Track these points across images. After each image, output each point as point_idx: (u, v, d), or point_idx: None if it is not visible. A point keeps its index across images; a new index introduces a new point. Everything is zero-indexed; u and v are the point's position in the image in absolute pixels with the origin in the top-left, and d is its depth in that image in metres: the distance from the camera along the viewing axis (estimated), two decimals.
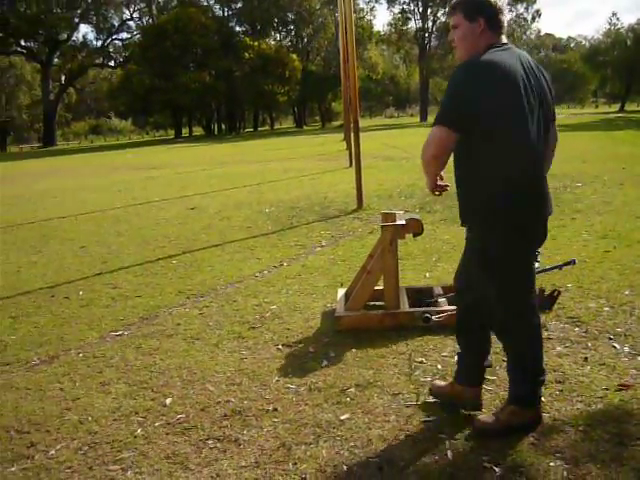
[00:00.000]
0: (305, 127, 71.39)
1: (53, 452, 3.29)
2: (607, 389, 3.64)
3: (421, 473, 2.91)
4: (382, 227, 4.77)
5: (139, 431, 3.46)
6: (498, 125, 2.90)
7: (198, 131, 71.40)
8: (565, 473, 2.85)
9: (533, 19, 71.10)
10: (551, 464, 2.93)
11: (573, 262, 5.16)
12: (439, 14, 67.18)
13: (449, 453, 3.06)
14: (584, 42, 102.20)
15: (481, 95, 2.86)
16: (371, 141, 28.17)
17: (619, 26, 73.62)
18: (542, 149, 3.06)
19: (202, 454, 3.19)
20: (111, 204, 13.23)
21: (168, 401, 3.81)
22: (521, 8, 69.07)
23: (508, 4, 66.32)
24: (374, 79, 78.12)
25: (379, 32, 71.89)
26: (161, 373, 4.24)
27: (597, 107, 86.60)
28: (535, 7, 70.23)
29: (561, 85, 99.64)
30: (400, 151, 21.86)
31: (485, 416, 3.34)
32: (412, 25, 68.41)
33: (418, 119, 66.98)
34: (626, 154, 17.24)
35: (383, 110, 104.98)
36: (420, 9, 66.96)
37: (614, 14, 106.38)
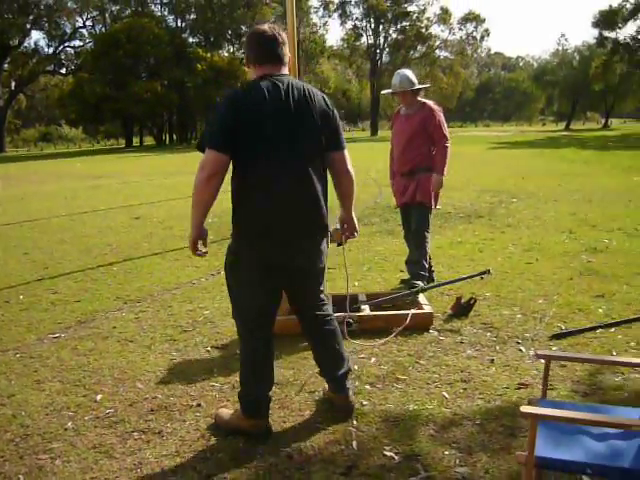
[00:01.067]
0: None
1: None
2: (507, 387, 3.98)
3: (327, 460, 3.19)
4: None
5: (69, 424, 3.69)
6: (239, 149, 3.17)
7: (149, 141, 71.04)
8: (457, 460, 3.16)
9: (482, 38, 72.43)
10: (446, 452, 3.24)
11: (488, 272, 5.50)
12: (390, 31, 68.35)
13: (354, 443, 3.35)
14: (532, 62, 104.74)
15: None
16: None
17: (567, 47, 75.79)
18: (287, 181, 3.22)
19: (127, 444, 3.42)
20: (57, 212, 13.29)
21: (99, 397, 4.03)
22: (470, 27, 70.42)
23: (458, 22, 67.66)
24: (326, 93, 78.80)
25: (331, 47, 72.72)
26: (94, 372, 4.45)
27: (544, 125, 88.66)
28: (484, 26, 71.54)
29: (509, 103, 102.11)
30: None
31: (225, 411, 3.65)
32: (364, 41, 69.40)
33: (369, 134, 67.78)
34: (565, 171, 17.96)
35: None
36: (372, 25, 67.98)
37: (562, 35, 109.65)
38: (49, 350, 4.95)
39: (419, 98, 6.19)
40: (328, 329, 3.66)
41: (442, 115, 6.16)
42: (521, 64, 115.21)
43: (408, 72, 6.22)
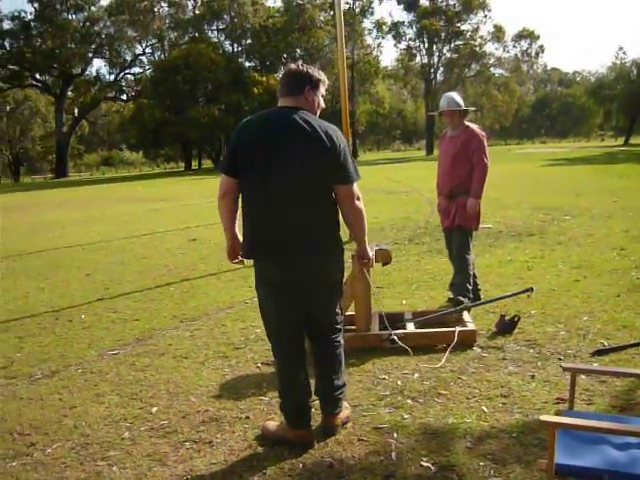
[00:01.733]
0: None
1: (50, 450, 3.78)
2: (546, 402, 4.08)
3: (366, 469, 3.36)
4: (352, 257, 5.24)
5: (126, 434, 3.94)
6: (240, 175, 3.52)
7: (208, 164, 72.33)
8: (492, 471, 3.29)
9: (537, 54, 72.01)
10: (480, 463, 3.37)
11: (531, 290, 5.59)
12: (444, 50, 68.40)
13: (393, 454, 3.51)
14: (589, 76, 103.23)
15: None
16: (375, 175, 28.73)
17: (625, 60, 74.31)
18: (273, 208, 3.43)
19: (179, 453, 3.66)
20: (117, 235, 13.78)
21: (154, 410, 4.29)
22: (525, 44, 70.13)
23: (512, 40, 67.37)
24: (381, 113, 79.21)
25: (386, 67, 73.13)
26: (150, 386, 4.72)
27: (603, 140, 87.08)
28: (539, 42, 71.15)
29: (567, 119, 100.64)
30: (401, 185, 22.31)
31: (272, 423, 3.85)
32: (418, 61, 69.54)
33: (424, 153, 67.71)
34: (620, 187, 17.71)
35: (391, 144, 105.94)
36: (426, 45, 68.13)
37: (621, 48, 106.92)
38: (108, 366, 5.25)
39: (465, 122, 6.32)
40: (332, 354, 3.79)
41: (484, 140, 6.23)
42: (578, 79, 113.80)
43: (455, 94, 6.39)
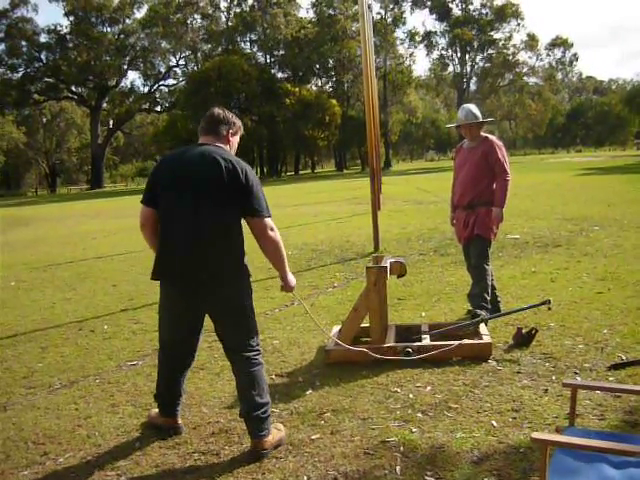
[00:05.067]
0: (345, 170, 72.24)
1: (62, 460, 3.86)
2: (557, 417, 4.04)
3: None
4: (367, 269, 5.27)
5: (137, 445, 4.00)
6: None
7: None
8: None
9: (571, 62, 71.49)
10: (485, 479, 3.35)
11: (548, 302, 5.54)
12: (477, 59, 68.18)
13: (398, 468, 3.51)
14: (625, 84, 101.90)
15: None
16: (406, 185, 28.77)
17: None
18: (186, 230, 3.68)
19: (187, 464, 3.70)
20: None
21: None
22: (558, 52, 69.63)
23: (545, 48, 66.89)
24: (414, 123, 79.10)
25: (418, 77, 73.06)
26: None
27: (639, 149, 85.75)
28: (572, 50, 70.68)
29: (603, 127, 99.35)
30: (431, 195, 22.30)
31: (155, 411, 4.26)
32: (451, 70, 69.41)
33: None
34: None
35: (424, 153, 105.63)
36: (458, 55, 67.97)
37: None
38: (126, 376, 5.33)
39: (482, 133, 6.32)
40: (250, 371, 3.83)
41: (504, 149, 6.25)
42: (614, 87, 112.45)
43: (472, 106, 6.40)
